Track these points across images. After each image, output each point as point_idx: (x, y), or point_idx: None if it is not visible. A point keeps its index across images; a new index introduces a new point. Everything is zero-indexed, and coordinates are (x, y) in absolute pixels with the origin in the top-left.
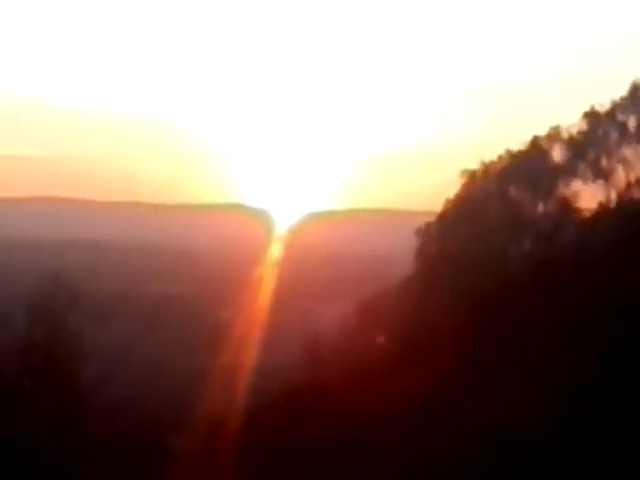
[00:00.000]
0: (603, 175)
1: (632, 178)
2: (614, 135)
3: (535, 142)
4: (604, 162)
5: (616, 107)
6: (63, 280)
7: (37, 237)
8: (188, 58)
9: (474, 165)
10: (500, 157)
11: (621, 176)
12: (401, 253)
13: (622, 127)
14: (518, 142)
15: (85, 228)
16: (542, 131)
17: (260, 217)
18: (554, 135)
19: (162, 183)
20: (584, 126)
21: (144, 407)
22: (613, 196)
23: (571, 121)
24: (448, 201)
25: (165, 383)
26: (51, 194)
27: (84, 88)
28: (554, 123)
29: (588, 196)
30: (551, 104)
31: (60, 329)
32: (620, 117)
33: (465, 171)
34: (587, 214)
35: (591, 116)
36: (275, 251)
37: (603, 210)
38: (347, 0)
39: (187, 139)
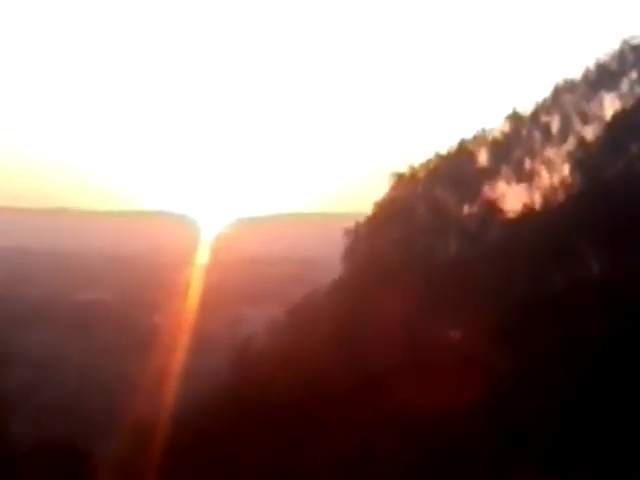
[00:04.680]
0: (527, 177)
1: (556, 180)
2: (537, 137)
3: (462, 145)
4: (528, 164)
5: (539, 109)
6: None
7: None
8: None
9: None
10: (428, 160)
11: (545, 178)
12: (327, 256)
13: (545, 128)
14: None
15: (12, 235)
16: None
17: (185, 224)
18: (481, 138)
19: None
20: (507, 128)
21: (73, 412)
22: (537, 197)
23: (495, 123)
24: (376, 203)
25: (94, 388)
26: None
27: None
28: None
29: (513, 198)
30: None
31: None
32: (543, 119)
33: (394, 174)
34: (512, 215)
35: (514, 118)
36: (202, 256)
37: (528, 211)
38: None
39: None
